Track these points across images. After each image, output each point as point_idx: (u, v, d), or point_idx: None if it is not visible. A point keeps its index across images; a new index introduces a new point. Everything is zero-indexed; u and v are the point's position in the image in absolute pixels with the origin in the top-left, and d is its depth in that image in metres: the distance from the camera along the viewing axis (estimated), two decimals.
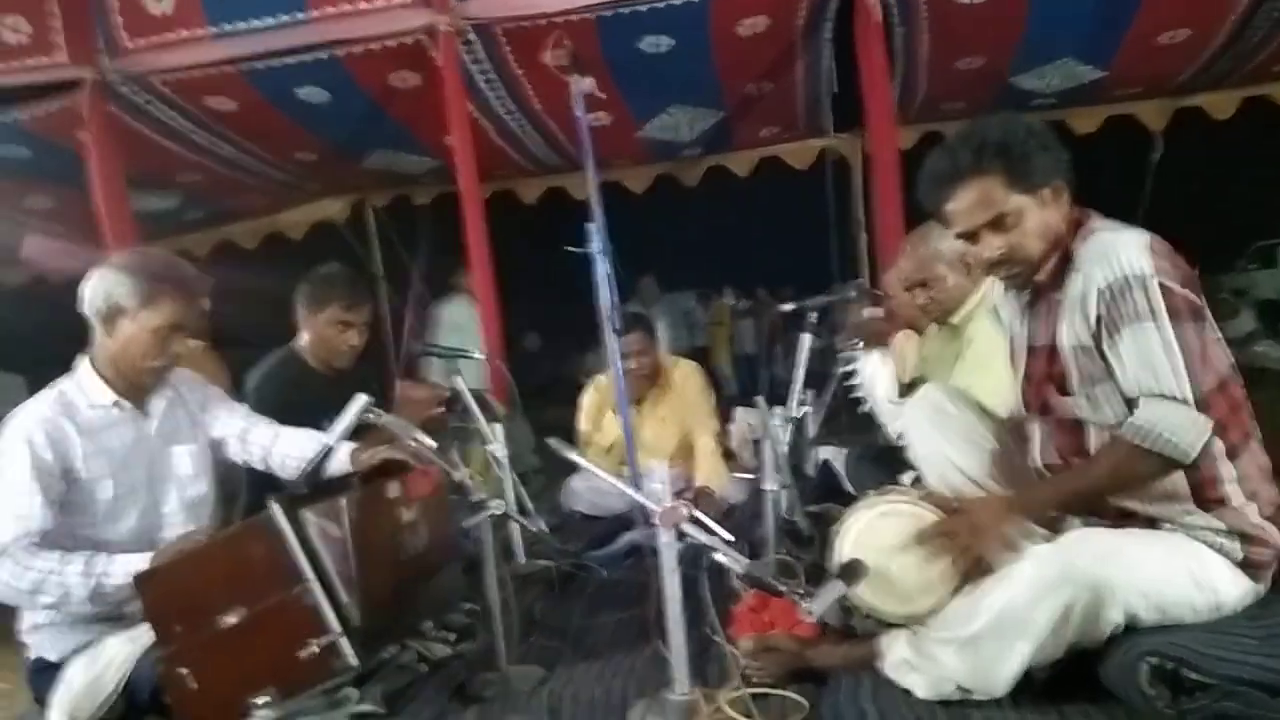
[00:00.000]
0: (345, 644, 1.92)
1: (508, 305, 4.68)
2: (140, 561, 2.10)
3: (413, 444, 2.26)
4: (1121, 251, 1.79)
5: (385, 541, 2.19)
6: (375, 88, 5.05)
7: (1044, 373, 1.97)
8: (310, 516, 1.98)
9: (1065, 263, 1.91)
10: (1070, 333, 1.87)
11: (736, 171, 6.86)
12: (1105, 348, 1.81)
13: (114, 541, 2.23)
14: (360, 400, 2.23)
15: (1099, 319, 1.80)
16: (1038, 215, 1.90)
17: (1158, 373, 1.74)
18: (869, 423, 3.25)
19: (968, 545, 1.89)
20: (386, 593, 2.12)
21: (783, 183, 6.79)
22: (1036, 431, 2.02)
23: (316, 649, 1.92)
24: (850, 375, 3.08)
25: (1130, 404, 1.80)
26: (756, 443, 3.80)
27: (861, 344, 2.97)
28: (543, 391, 6.52)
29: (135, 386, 2.34)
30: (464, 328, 5.47)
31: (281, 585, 1.93)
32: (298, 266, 3.42)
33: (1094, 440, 1.90)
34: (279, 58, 4.66)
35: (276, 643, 1.93)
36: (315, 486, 2.17)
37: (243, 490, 2.99)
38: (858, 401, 3.16)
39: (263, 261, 6.83)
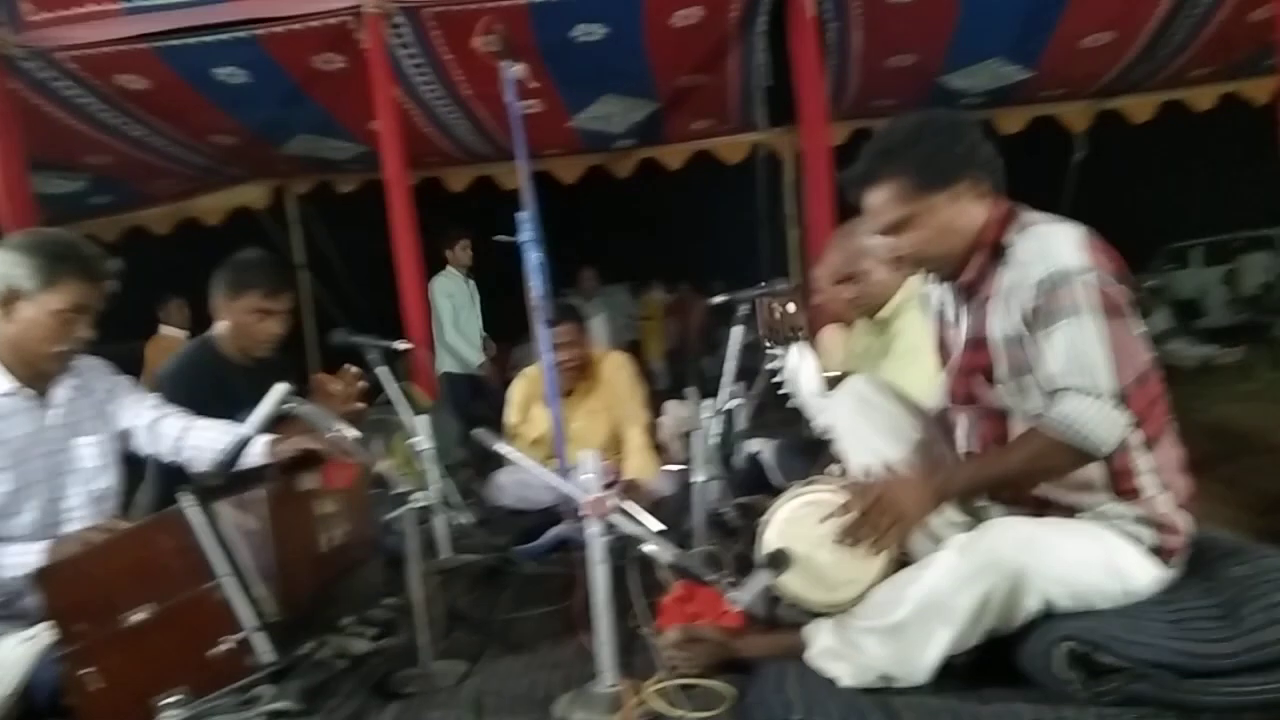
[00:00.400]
0: (261, 640, 1.86)
1: None
2: (35, 553, 2.01)
3: (332, 435, 2.19)
4: (1059, 245, 1.83)
5: (303, 534, 2.12)
6: (298, 70, 4.92)
7: (971, 364, 1.99)
8: (225, 509, 1.91)
9: (996, 255, 1.93)
10: (1002, 323, 1.90)
11: (669, 164, 6.86)
12: (1037, 338, 1.83)
13: (12, 537, 2.12)
14: (279, 389, 2.15)
15: (1035, 310, 1.83)
16: (950, 211, 1.92)
17: (1084, 367, 1.77)
18: (798, 416, 3.27)
19: (885, 525, 1.90)
20: (305, 587, 2.05)
21: (715, 176, 6.82)
22: (962, 421, 2.05)
23: (230, 646, 1.84)
24: (776, 370, 3.09)
25: (1053, 394, 1.83)
26: (687, 435, 3.82)
27: (783, 339, 2.97)
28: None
29: (36, 373, 2.23)
30: (455, 296, 5.40)
31: (193, 580, 1.85)
32: (215, 254, 3.30)
33: (1018, 429, 1.93)
34: (195, 35, 4.50)
35: (188, 640, 1.85)
36: (230, 478, 2.09)
37: (151, 483, 2.89)
38: (786, 395, 3.17)
39: (178, 248, 6.60)
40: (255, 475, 2.17)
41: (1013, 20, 4.94)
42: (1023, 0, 4.73)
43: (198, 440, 2.41)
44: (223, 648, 1.85)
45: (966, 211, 1.93)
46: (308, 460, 2.25)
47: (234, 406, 2.74)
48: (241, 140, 5.89)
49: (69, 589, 1.89)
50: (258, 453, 2.31)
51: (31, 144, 4.67)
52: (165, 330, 6.08)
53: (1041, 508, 1.93)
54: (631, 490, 3.51)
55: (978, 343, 1.97)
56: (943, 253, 1.96)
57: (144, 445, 2.44)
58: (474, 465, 3.98)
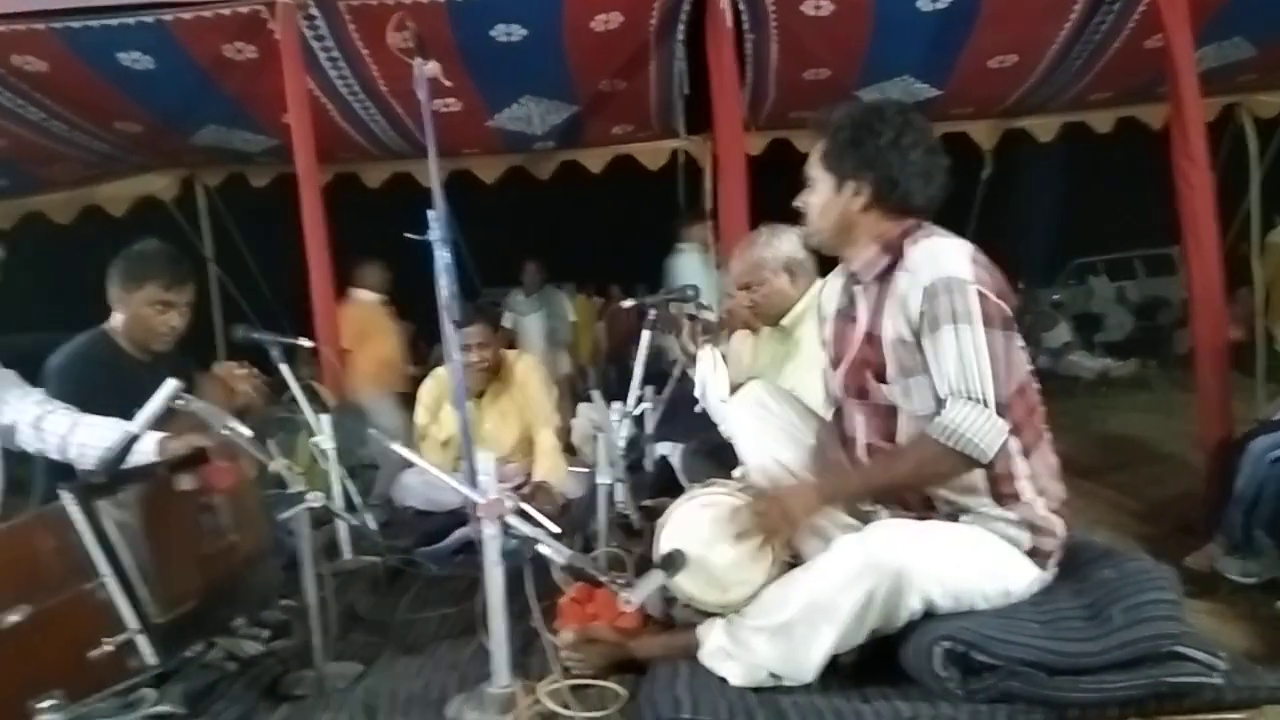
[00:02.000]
0: (143, 642, 1.82)
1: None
2: None
3: (225, 433, 2.15)
4: (946, 256, 1.92)
5: (186, 535, 2.08)
6: (206, 58, 4.76)
7: (863, 359, 2.06)
8: (106, 507, 1.86)
9: (892, 261, 2.00)
10: (892, 326, 1.97)
11: (590, 167, 6.86)
12: (924, 343, 1.91)
13: None
14: (170, 385, 2.11)
15: (921, 314, 1.90)
16: (834, 198, 2.07)
17: (967, 374, 1.84)
18: (707, 420, 3.32)
19: (776, 526, 1.96)
20: (189, 588, 2.00)
21: (635, 181, 6.83)
22: (855, 414, 2.11)
23: (111, 648, 1.80)
24: (685, 375, 3.14)
25: (939, 400, 1.90)
26: (597, 437, 3.84)
27: (695, 346, 3.02)
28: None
29: None
30: (696, 277, 5.27)
31: (73, 580, 1.81)
32: (120, 244, 3.20)
33: (905, 426, 2.00)
34: (97, 17, 4.35)
35: (66, 642, 1.80)
36: (116, 476, 2.03)
37: (39, 480, 2.78)
38: (694, 399, 3.22)
39: (79, 237, 6.35)
40: (143, 473, 2.12)
41: (922, 39, 5.06)
42: (932, 20, 4.85)
43: (85, 437, 2.34)
44: (104, 649, 1.80)
45: (849, 207, 2.05)
46: (199, 458, 2.21)
47: (130, 402, 2.66)
48: (148, 128, 5.68)
49: None
50: (148, 450, 2.25)
51: None
52: (359, 294, 5.71)
53: (926, 510, 2.01)
54: (541, 492, 3.51)
55: (870, 338, 2.04)
56: (820, 225, 2.13)
57: (28, 442, 2.36)
58: (378, 465, 3.93)
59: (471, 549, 2.96)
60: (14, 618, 1.79)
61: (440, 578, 2.85)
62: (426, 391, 3.91)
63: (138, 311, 2.92)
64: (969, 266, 1.91)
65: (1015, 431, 1.92)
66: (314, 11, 4.44)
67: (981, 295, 1.88)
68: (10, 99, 4.97)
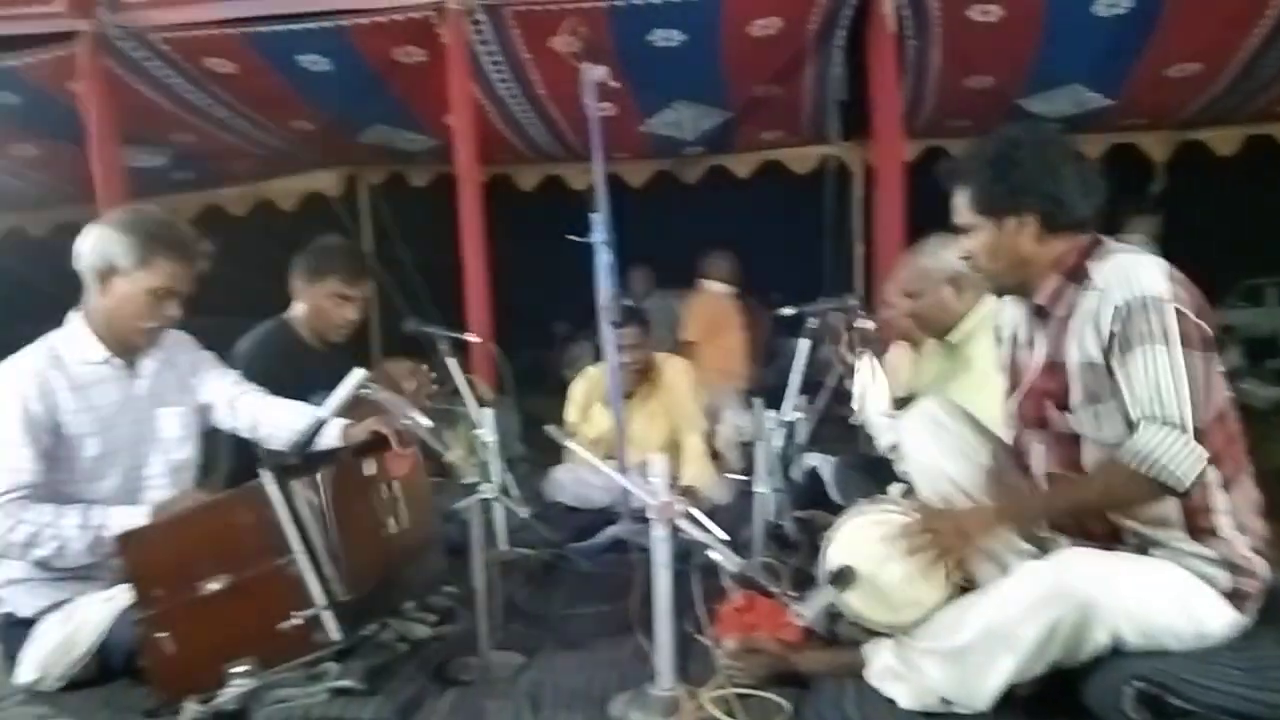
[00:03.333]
0: (328, 618, 1.91)
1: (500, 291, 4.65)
2: (138, 514, 2.09)
3: (406, 423, 2.23)
4: (1141, 273, 1.81)
5: (367, 518, 2.17)
6: (378, 61, 4.99)
7: (1044, 387, 1.97)
8: (300, 488, 1.96)
9: (1076, 280, 1.92)
10: (1079, 349, 1.88)
11: (737, 172, 6.85)
12: (1114, 365, 1.81)
13: (95, 500, 2.19)
14: (357, 374, 2.20)
15: (1112, 335, 1.81)
16: (998, 237, 1.97)
17: (1163, 398, 1.75)
18: (855, 432, 3.26)
19: (950, 545, 1.89)
20: (370, 570, 2.09)
21: (782, 187, 6.78)
22: (1034, 444, 2.03)
23: (299, 621, 1.90)
24: (844, 386, 3.08)
25: (1131, 425, 1.80)
26: (744, 444, 3.82)
27: (855, 357, 2.96)
28: (522, 379, 6.47)
29: (126, 346, 2.31)
30: None
31: (268, 555, 1.91)
32: (287, 237, 3.38)
33: (1090, 455, 1.91)
34: (283, 23, 4.61)
35: (259, 612, 1.91)
36: (305, 459, 2.14)
37: (224, 458, 2.96)
38: (847, 411, 3.16)
39: (252, 229, 6.73)
40: (327, 457, 2.23)
41: (1096, 47, 4.85)
42: (1107, 28, 4.64)
43: (275, 419, 2.47)
44: (292, 622, 1.90)
45: (1017, 243, 1.96)
46: (378, 445, 2.30)
47: (306, 388, 2.81)
48: (319, 127, 5.99)
49: (150, 555, 1.96)
50: (331, 435, 2.36)
51: (122, 119, 4.82)
52: (709, 285, 5.77)
53: (1112, 541, 1.91)
54: (688, 496, 3.52)
55: (1052, 366, 1.96)
56: (994, 269, 2.03)
57: (223, 420, 2.51)
58: (532, 460, 4.01)
59: (621, 547, 3.00)
60: (214, 586, 1.92)
61: (592, 574, 2.88)
62: (579, 390, 3.97)
63: (318, 303, 3.08)
64: (1165, 283, 1.80)
65: (1214, 461, 1.80)
66: (480, 17, 4.59)
67: (1180, 314, 1.78)
68: (201, 98, 5.33)
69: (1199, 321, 1.80)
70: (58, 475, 2.17)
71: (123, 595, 2.05)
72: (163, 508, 2.12)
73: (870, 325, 2.99)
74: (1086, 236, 1.96)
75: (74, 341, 2.26)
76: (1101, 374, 1.85)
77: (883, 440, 2.87)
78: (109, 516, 2.08)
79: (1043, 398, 1.98)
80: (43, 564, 2.12)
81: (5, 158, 6.06)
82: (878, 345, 3.02)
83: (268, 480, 1.90)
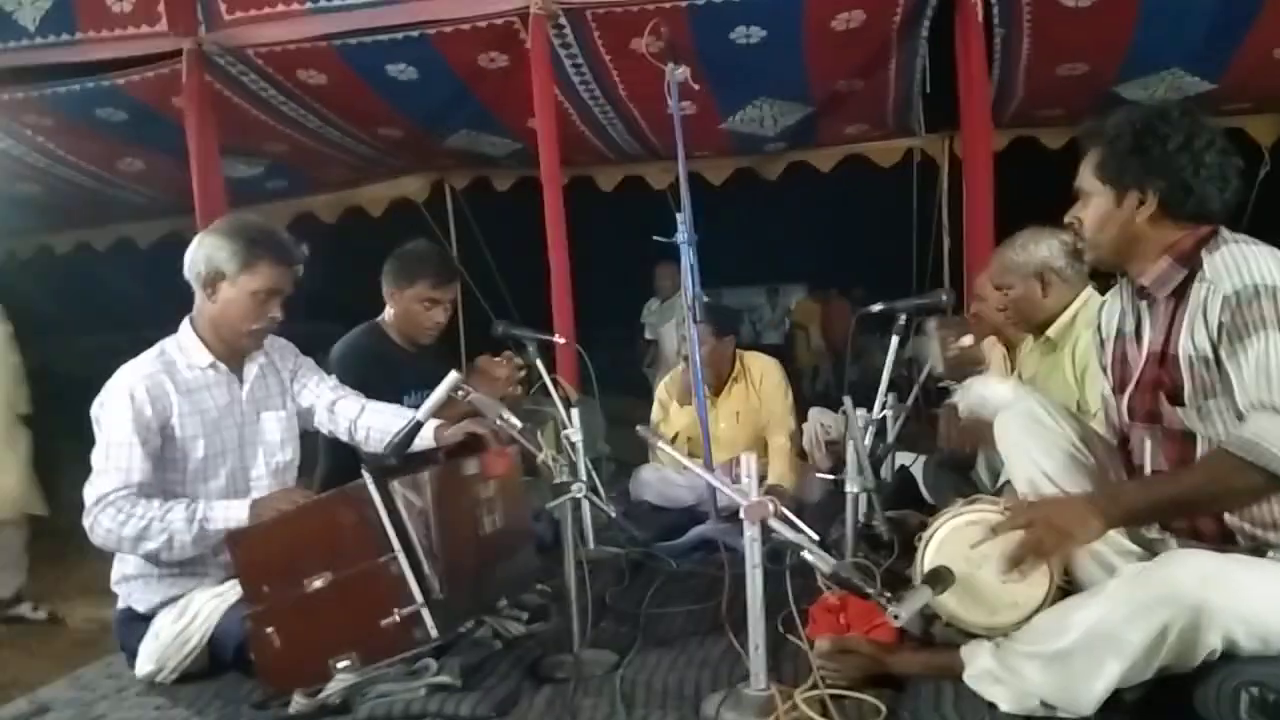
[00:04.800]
0: (427, 615, 1.95)
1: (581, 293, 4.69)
2: (239, 508, 2.18)
3: (498, 423, 2.27)
4: (1252, 262, 1.75)
5: (465, 517, 2.21)
6: (463, 67, 5.09)
7: (1154, 380, 1.91)
8: (399, 488, 2.00)
9: (1184, 271, 1.85)
10: (1189, 341, 1.81)
11: (819, 167, 6.79)
12: (1224, 356, 1.74)
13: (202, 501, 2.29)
14: (452, 377, 2.25)
15: (1221, 326, 1.74)
16: (1113, 210, 1.92)
17: (1274, 385, 1.67)
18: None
19: (1045, 543, 1.83)
20: (466, 568, 2.13)
21: (865, 181, 6.71)
22: (1144, 440, 1.96)
23: (399, 618, 1.94)
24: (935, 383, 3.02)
25: (1241, 419, 1.73)
26: (830, 443, 3.77)
27: (961, 374, 2.89)
28: (603, 379, 6.48)
29: (232, 350, 2.40)
30: None
31: (369, 553, 1.96)
32: (377, 242, 3.46)
33: (1202, 453, 1.84)
34: (372, 34, 4.73)
35: (361, 609, 1.96)
36: (405, 460, 2.20)
37: (321, 459, 3.05)
38: (936, 408, 3.10)
39: (342, 235, 6.93)
40: (424, 458, 2.28)
41: (1196, 30, 4.66)
42: (1209, 8, 4.46)
43: (372, 421, 2.54)
44: (393, 619, 1.95)
45: (1133, 220, 1.89)
46: (472, 446, 2.35)
47: (400, 391, 2.88)
48: (406, 133, 6.14)
49: (258, 552, 2.03)
50: (426, 436, 2.41)
51: (220, 131, 5.01)
52: None
53: (1224, 542, 1.84)
54: (774, 495, 3.50)
55: (1163, 357, 1.89)
56: (1100, 241, 1.97)
57: (322, 423, 2.58)
58: (617, 459, 4.04)
59: (708, 546, 3.00)
60: (318, 583, 1.98)
61: (679, 573, 2.89)
62: (662, 389, 3.98)
63: (408, 307, 3.15)
64: (1278, 272, 1.73)
65: None
66: (563, 21, 4.64)
67: None
68: (294, 109, 5.51)
69: None
70: (168, 476, 2.27)
71: (233, 591, 2.14)
72: (262, 504, 2.20)
73: (967, 342, 2.93)
74: (1207, 228, 1.88)
75: (183, 346, 2.36)
76: (1212, 367, 1.78)
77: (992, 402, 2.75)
78: (212, 510, 2.18)
79: (1155, 389, 1.92)
80: (152, 558, 2.22)
81: (114, 172, 6.34)
82: (976, 361, 2.95)
83: (368, 481, 1.95)
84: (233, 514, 2.17)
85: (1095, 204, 1.95)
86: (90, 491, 2.18)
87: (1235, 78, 5.17)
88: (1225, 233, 1.88)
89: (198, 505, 2.18)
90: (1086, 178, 1.97)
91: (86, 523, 2.17)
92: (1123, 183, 1.90)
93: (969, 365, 2.88)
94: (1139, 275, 1.94)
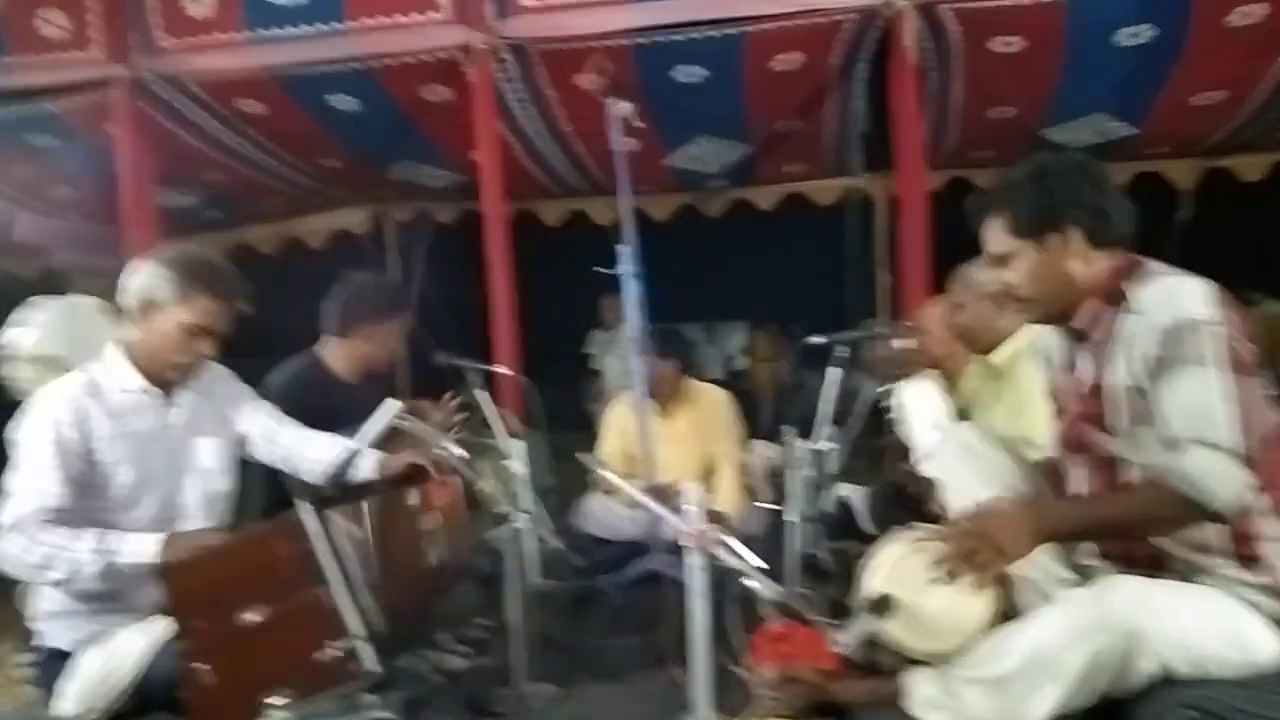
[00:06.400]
0: (366, 649, 1.90)
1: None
2: (150, 542, 2.08)
3: (440, 453, 2.25)
4: (1185, 295, 1.80)
5: (406, 548, 2.18)
6: (406, 99, 5.07)
7: (1086, 412, 1.96)
8: (337, 518, 1.96)
9: (1114, 303, 1.91)
10: (1122, 372, 1.87)
11: (760, 205, 6.88)
12: (1156, 388, 1.80)
13: (130, 530, 2.21)
14: (391, 406, 2.22)
15: (1158, 359, 1.79)
16: (1043, 260, 1.95)
17: (1208, 420, 1.73)
18: (885, 462, 3.24)
19: (985, 561, 1.82)
20: (407, 600, 2.10)
21: (806, 219, 6.80)
22: (1075, 469, 2.01)
23: (337, 652, 1.89)
24: (885, 406, 3.07)
25: (1171, 446, 1.78)
26: (771, 475, 3.80)
27: (895, 375, 2.96)
28: (548, 413, 6.46)
29: (161, 378, 2.33)
30: None
31: (305, 586, 1.91)
32: (315, 274, 3.41)
33: (1132, 479, 1.89)
34: (313, 66, 4.69)
35: (297, 643, 1.91)
36: (340, 490, 2.15)
37: (259, 490, 2.97)
38: (879, 437, 3.15)
39: (281, 268, 6.81)
40: (364, 489, 2.24)
41: (1119, 77, 4.85)
42: (1129, 57, 4.64)
43: (310, 451, 2.48)
44: (329, 653, 1.90)
45: (1062, 262, 1.94)
46: (413, 476, 2.31)
47: (337, 423, 2.82)
48: (347, 165, 6.07)
49: (190, 584, 1.96)
50: (367, 467, 2.37)
51: (155, 160, 4.91)
52: None
53: (1155, 567, 1.88)
54: (718, 523, 3.50)
55: (1094, 390, 1.95)
56: (1038, 295, 1.99)
57: (259, 452, 2.52)
58: (561, 492, 4.01)
59: (653, 579, 2.99)
60: (254, 617, 1.92)
61: (624, 605, 2.87)
62: (610, 420, 3.98)
63: (350, 339, 3.11)
64: (1210, 306, 1.79)
65: (1261, 487, 1.77)
66: (506, 55, 4.65)
67: (1225, 337, 1.77)
68: (231, 138, 5.42)
69: (1245, 344, 1.78)
70: (93, 502, 2.19)
71: (159, 627, 2.06)
72: (175, 541, 2.12)
73: (911, 344, 2.99)
74: (1123, 258, 1.95)
75: (112, 370, 2.29)
76: (1145, 397, 1.84)
77: (925, 458, 2.81)
78: (123, 542, 2.08)
79: (1083, 422, 1.97)
80: (65, 590, 2.13)
81: (42, 199, 6.17)
82: (916, 364, 3.02)
83: (305, 511, 1.91)
84: (144, 549, 2.07)
85: (1021, 261, 1.98)
86: (3, 515, 2.08)
87: (1156, 123, 5.39)
88: (1152, 264, 1.94)
89: (109, 537, 2.09)
90: (1001, 243, 1.99)
91: None
92: (1040, 230, 1.94)
93: (899, 368, 2.94)
94: (1075, 319, 1.98)
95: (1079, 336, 1.99)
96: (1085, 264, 1.94)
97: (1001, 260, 2.01)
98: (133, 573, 2.07)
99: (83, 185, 5.75)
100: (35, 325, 2.97)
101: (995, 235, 2.01)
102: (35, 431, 2.14)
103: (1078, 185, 1.92)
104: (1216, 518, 1.75)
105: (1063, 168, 1.95)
